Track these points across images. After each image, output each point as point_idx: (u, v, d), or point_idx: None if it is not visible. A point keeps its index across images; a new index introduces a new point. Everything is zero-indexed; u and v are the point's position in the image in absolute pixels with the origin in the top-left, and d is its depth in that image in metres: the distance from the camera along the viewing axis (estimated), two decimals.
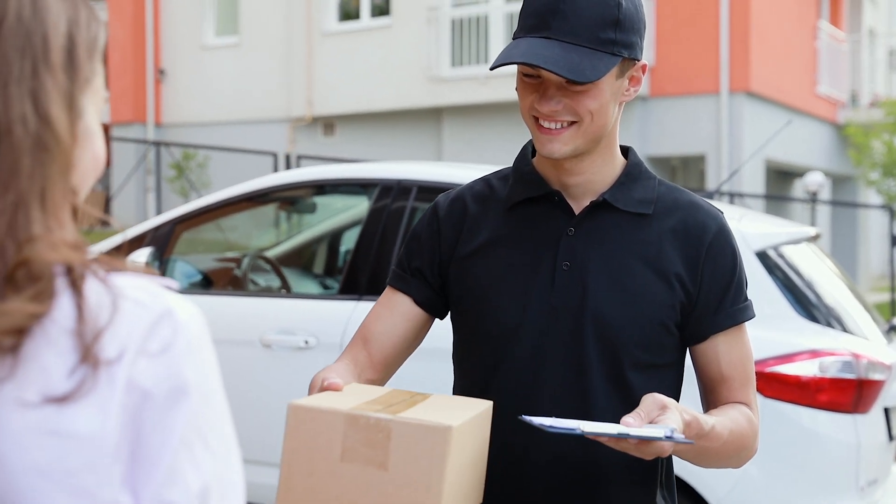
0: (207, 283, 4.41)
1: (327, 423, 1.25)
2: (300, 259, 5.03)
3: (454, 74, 13.67)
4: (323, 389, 1.39)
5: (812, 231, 3.90)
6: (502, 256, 1.60)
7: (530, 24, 1.51)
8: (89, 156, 0.86)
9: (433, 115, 14.27)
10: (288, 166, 13.46)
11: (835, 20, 17.29)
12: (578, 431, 1.30)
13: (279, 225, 7.07)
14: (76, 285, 0.78)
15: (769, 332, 3.25)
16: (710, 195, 5.55)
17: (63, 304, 0.78)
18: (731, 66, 13.14)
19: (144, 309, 0.80)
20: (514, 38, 1.53)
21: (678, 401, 1.56)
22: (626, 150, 1.65)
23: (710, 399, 1.63)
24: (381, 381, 1.64)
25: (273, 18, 15.29)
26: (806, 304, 3.48)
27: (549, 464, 1.54)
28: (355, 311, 3.71)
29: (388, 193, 3.88)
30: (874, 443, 3.40)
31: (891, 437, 3.57)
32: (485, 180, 1.70)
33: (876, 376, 3.31)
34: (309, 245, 5.12)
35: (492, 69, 1.51)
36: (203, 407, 0.80)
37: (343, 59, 14.67)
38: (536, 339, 1.56)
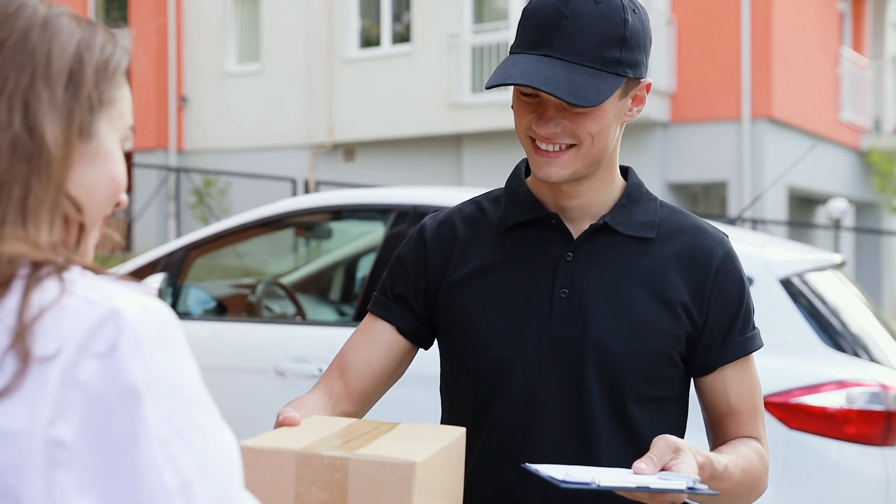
0: (222, 309, 4.36)
1: (278, 466, 1.11)
2: (316, 285, 4.99)
3: (474, 101, 13.67)
4: (278, 424, 1.25)
5: (837, 258, 3.82)
6: (495, 283, 1.50)
7: (530, 39, 1.41)
8: (103, 176, 0.88)
9: (453, 142, 14.27)
10: (307, 192, 13.48)
11: (857, 46, 17.21)
12: (594, 486, 1.21)
13: (297, 251, 7.04)
14: (29, 282, 0.78)
15: (794, 361, 3.17)
16: (732, 221, 5.48)
17: (10, 301, 0.78)
18: (753, 92, 13.07)
19: (93, 307, 0.78)
20: (512, 53, 1.44)
21: (683, 436, 1.48)
22: (625, 171, 1.57)
23: (718, 433, 1.55)
24: (358, 414, 1.54)
25: (294, 46, 15.37)
26: (832, 332, 3.39)
27: None
28: None
29: (404, 219, 3.83)
30: None
31: None
32: (475, 202, 1.60)
33: None
34: (325, 271, 5.07)
35: (488, 88, 1.40)
36: (171, 402, 0.77)
37: (364, 86, 14.71)
38: (533, 372, 1.47)
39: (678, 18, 13.43)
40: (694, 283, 1.49)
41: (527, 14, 1.44)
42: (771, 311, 3.28)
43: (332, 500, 1.09)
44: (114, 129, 0.89)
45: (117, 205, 0.94)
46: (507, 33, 13.64)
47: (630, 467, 1.28)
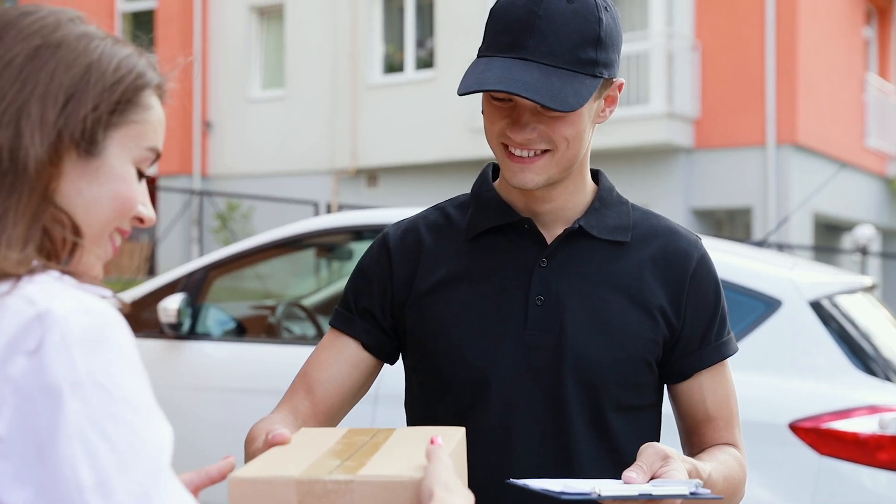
0: (241, 330, 4.33)
1: (278, 497, 1.00)
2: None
3: None
4: (268, 444, 1.13)
5: (868, 280, 3.75)
6: (467, 292, 1.44)
7: (502, 41, 1.35)
8: (107, 194, 0.90)
9: (477, 167, 14.25)
10: None
11: (883, 73, 17.12)
12: (595, 495, 1.16)
13: (318, 272, 7.01)
14: None
15: (824, 385, 3.11)
16: (760, 244, 5.41)
17: None
18: (777, 118, 13.00)
19: (30, 307, 0.80)
20: (480, 56, 1.38)
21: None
22: (595, 174, 1.52)
23: (694, 441, 1.51)
24: None
25: (319, 71, 15.45)
26: (863, 356, 3.32)
27: None
28: None
29: None
30: None
31: None
32: (439, 209, 1.55)
33: None
34: None
35: (461, 94, 1.34)
36: (99, 401, 0.78)
37: (387, 112, 14.76)
38: (510, 383, 1.42)
39: (702, 44, 13.39)
40: (670, 286, 1.46)
41: (496, 14, 1.39)
42: (800, 334, 3.22)
43: None
44: (127, 150, 0.91)
45: (141, 221, 0.95)
46: None
47: (615, 477, 1.24)
